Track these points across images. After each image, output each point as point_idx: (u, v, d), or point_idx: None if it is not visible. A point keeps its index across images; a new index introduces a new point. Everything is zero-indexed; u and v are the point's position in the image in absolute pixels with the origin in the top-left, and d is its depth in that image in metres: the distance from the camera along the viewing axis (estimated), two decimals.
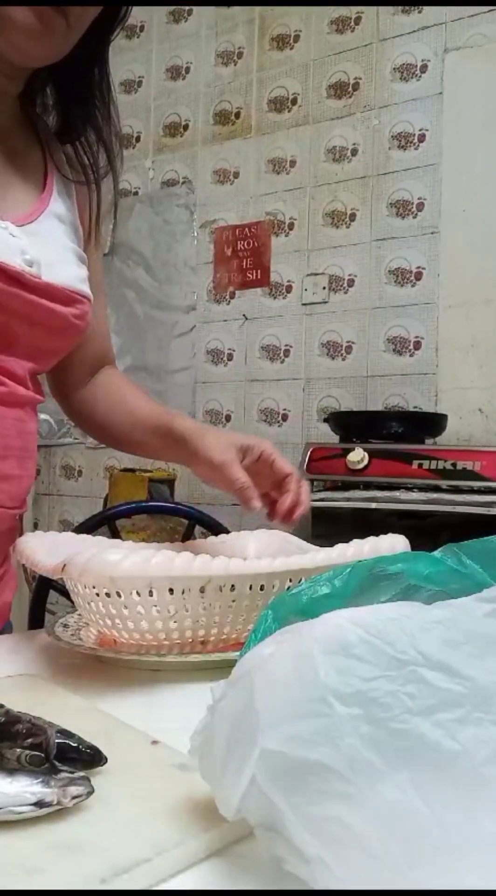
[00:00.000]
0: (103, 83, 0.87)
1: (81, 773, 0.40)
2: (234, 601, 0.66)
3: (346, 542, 0.71)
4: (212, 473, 0.89)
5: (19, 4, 0.71)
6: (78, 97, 0.87)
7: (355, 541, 0.70)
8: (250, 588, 0.66)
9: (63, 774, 0.39)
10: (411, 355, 2.36)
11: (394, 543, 0.72)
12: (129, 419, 0.99)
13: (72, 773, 0.40)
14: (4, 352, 0.80)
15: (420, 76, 2.38)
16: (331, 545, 0.71)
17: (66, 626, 0.74)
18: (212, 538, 0.94)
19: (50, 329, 0.82)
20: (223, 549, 0.90)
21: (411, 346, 2.36)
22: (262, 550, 0.89)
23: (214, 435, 0.91)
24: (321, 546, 0.74)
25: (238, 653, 0.61)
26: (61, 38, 0.73)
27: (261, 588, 0.66)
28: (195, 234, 2.80)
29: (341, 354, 2.48)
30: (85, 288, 0.85)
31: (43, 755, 0.40)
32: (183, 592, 0.63)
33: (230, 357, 2.70)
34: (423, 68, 2.37)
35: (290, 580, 0.67)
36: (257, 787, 0.32)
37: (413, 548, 0.70)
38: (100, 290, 0.93)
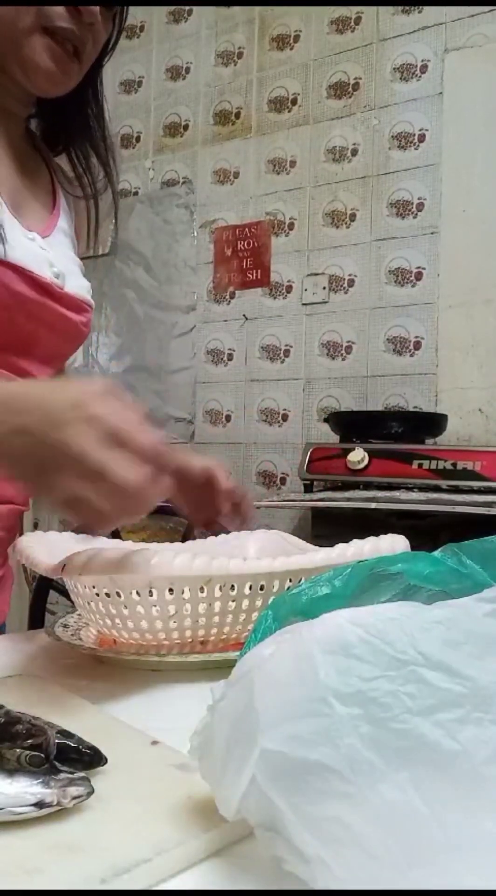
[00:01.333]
0: (97, 105, 0.92)
1: (81, 774, 0.40)
2: (233, 601, 0.66)
3: (346, 542, 0.71)
4: (193, 478, 0.91)
5: (31, 4, 0.75)
6: (74, 118, 0.92)
7: (355, 541, 0.70)
8: (250, 588, 0.66)
9: (63, 775, 0.39)
10: (411, 355, 2.36)
11: (394, 543, 0.72)
12: None
13: (72, 773, 0.40)
14: (26, 356, 0.83)
15: (420, 76, 2.38)
16: (331, 545, 0.71)
17: (66, 626, 0.74)
18: (212, 538, 0.94)
19: (65, 335, 0.87)
20: (223, 550, 0.90)
21: (411, 346, 2.36)
22: (262, 550, 0.89)
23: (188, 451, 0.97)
24: (321, 546, 0.74)
25: (238, 653, 0.61)
26: (74, 76, 0.81)
27: (261, 588, 0.66)
28: (195, 234, 2.80)
29: (341, 354, 2.48)
30: (89, 297, 0.91)
31: (43, 756, 0.40)
32: (183, 592, 0.63)
33: (230, 357, 2.70)
34: (423, 68, 2.37)
35: (290, 580, 0.67)
36: (257, 787, 0.32)
37: (413, 548, 0.70)
38: None
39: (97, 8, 0.77)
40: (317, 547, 0.78)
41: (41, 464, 0.51)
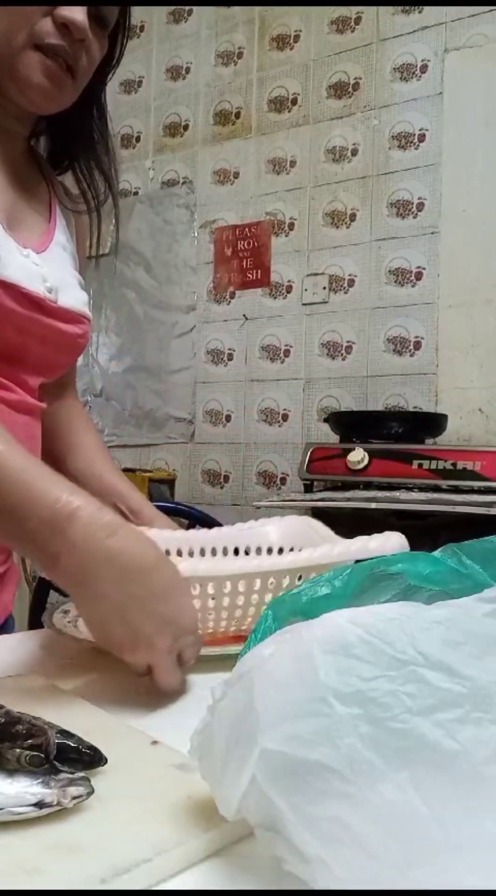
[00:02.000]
0: (101, 120, 0.94)
1: (81, 774, 0.40)
2: (226, 596, 0.66)
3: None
4: None
5: (33, 4, 0.77)
6: (78, 135, 0.94)
7: (360, 538, 0.71)
8: (255, 585, 0.66)
9: (63, 775, 0.39)
10: (411, 355, 2.36)
11: (397, 543, 0.72)
12: (96, 482, 1.00)
13: (72, 773, 0.40)
14: (17, 366, 0.86)
15: (420, 76, 2.38)
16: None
17: (66, 611, 0.74)
18: (239, 524, 0.93)
19: (58, 346, 0.89)
20: (243, 538, 0.89)
21: (411, 346, 2.36)
22: (285, 538, 0.89)
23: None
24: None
25: (237, 646, 0.62)
26: (69, 91, 0.83)
27: (271, 583, 0.66)
28: (195, 234, 2.79)
29: (341, 354, 2.48)
30: (87, 310, 0.93)
31: (43, 756, 0.40)
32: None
33: (230, 357, 2.70)
34: (423, 68, 2.37)
35: (301, 576, 0.67)
36: (257, 787, 0.32)
37: (413, 548, 0.70)
38: None
39: (86, 23, 0.78)
40: (337, 537, 0.78)
41: (124, 633, 0.58)
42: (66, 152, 0.96)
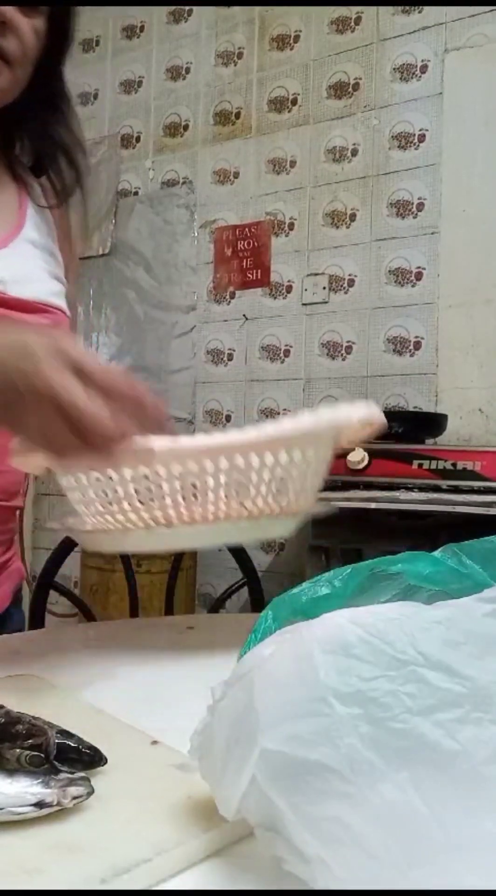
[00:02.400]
0: (64, 104, 0.93)
1: (81, 774, 0.40)
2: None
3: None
4: None
5: (14, 4, 0.76)
6: (38, 124, 0.93)
7: (326, 408, 0.71)
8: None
9: (63, 775, 0.39)
10: (411, 355, 2.36)
11: (364, 409, 0.73)
12: None
13: (72, 773, 0.40)
14: None
15: (420, 76, 2.38)
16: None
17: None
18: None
19: None
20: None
21: (411, 346, 2.36)
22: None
23: None
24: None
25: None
26: (7, 78, 0.80)
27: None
28: (195, 234, 2.79)
29: (341, 354, 2.48)
30: (56, 300, 0.92)
31: (43, 756, 0.40)
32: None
33: (230, 357, 2.70)
34: (423, 68, 2.37)
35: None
36: (257, 787, 0.32)
37: (413, 548, 0.70)
38: (72, 305, 1.00)
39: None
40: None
41: (6, 396, 0.51)
42: (44, 154, 0.95)
